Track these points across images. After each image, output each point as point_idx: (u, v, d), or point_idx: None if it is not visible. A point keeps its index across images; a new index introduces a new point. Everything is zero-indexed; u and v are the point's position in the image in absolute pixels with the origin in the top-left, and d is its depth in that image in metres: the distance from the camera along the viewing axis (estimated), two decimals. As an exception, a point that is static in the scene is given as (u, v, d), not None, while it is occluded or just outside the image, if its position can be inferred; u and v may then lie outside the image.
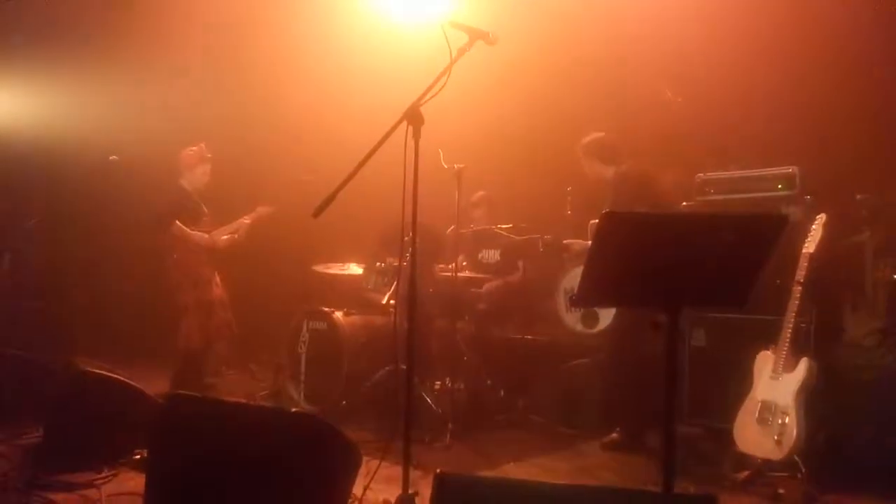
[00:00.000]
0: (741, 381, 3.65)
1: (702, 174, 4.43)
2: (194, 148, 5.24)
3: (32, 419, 3.84)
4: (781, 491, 3.39)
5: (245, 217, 5.39)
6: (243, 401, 4.68)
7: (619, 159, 4.42)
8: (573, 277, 4.85)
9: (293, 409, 3.23)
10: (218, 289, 5.31)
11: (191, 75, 6.20)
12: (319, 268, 5.44)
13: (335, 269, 5.44)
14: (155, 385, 4.30)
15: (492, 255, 5.44)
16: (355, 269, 5.36)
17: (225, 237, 5.32)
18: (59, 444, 3.56)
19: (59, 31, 5.89)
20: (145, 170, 5.70)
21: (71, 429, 3.58)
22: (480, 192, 5.51)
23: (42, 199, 6.39)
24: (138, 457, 3.50)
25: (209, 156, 5.28)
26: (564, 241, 4.60)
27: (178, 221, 5.08)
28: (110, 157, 5.37)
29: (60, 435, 3.60)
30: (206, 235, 5.20)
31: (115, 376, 3.80)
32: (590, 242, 4.11)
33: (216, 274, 5.32)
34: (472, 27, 2.98)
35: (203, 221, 5.27)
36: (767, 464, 3.48)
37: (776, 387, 3.49)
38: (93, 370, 3.82)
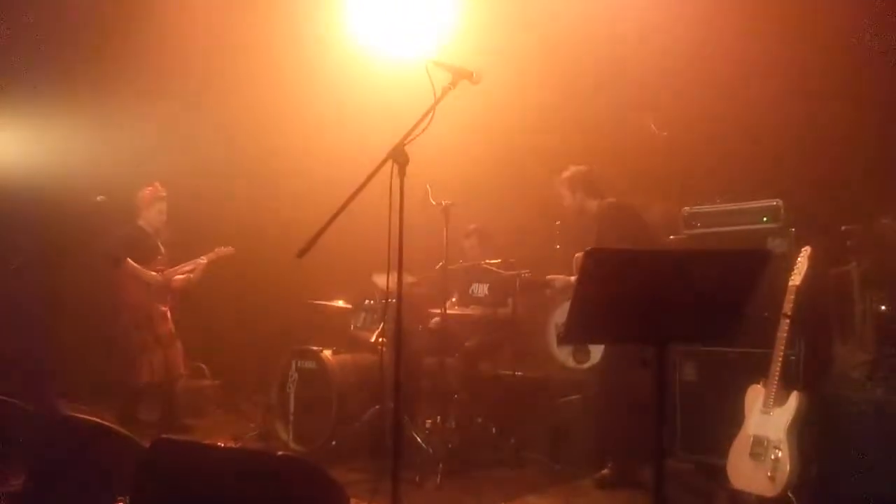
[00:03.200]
0: (733, 416, 3.62)
1: (688, 207, 4.46)
2: (149, 188, 5.35)
3: (13, 466, 3.74)
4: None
5: (202, 257, 5.45)
6: (230, 444, 4.61)
7: (605, 192, 4.44)
8: (564, 312, 4.82)
9: (280, 452, 3.17)
10: (170, 325, 5.35)
11: (180, 117, 6.23)
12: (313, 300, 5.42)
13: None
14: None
15: (482, 290, 5.42)
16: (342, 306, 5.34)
17: (180, 276, 5.38)
18: (40, 493, 3.47)
19: (37, 71, 5.93)
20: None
21: (53, 476, 3.50)
22: (473, 225, 5.51)
23: (28, 238, 6.35)
24: (121, 504, 3.41)
25: (164, 194, 5.38)
26: (548, 277, 4.58)
27: (130, 259, 5.11)
28: (98, 198, 5.38)
29: (42, 483, 3.51)
30: (157, 274, 5.27)
31: (101, 421, 3.71)
32: (573, 277, 4.10)
33: (168, 312, 5.36)
34: (456, 66, 3.01)
35: (158, 260, 5.32)
36: (762, 500, 3.43)
37: (768, 421, 3.46)
38: (78, 415, 3.75)
